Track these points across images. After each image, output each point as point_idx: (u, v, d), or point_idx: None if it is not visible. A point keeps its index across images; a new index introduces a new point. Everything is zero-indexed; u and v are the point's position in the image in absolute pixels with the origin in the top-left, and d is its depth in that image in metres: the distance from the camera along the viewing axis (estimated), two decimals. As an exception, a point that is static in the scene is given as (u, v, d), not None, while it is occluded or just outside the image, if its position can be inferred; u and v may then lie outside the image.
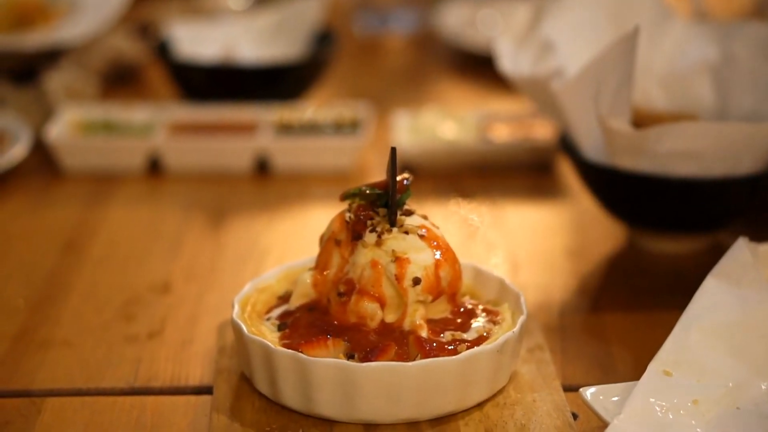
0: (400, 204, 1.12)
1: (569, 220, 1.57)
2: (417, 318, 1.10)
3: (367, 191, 1.12)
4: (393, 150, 1.10)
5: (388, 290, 1.09)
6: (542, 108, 1.51)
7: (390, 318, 1.10)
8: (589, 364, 1.20)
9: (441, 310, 1.13)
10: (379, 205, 1.12)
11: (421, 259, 1.09)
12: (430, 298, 1.10)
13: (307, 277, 1.14)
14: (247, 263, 1.43)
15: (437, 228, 1.13)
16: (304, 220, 1.56)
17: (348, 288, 1.10)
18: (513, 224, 1.55)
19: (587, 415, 1.06)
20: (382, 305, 1.09)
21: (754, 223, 1.40)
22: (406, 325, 1.09)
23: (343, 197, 1.14)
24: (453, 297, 1.13)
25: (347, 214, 1.13)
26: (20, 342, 1.24)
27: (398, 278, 1.08)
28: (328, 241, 1.14)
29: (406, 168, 1.56)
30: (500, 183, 1.66)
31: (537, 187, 1.66)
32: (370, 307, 1.09)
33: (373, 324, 1.09)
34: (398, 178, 1.11)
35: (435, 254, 1.10)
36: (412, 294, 1.09)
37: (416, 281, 1.08)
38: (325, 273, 1.13)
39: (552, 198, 1.64)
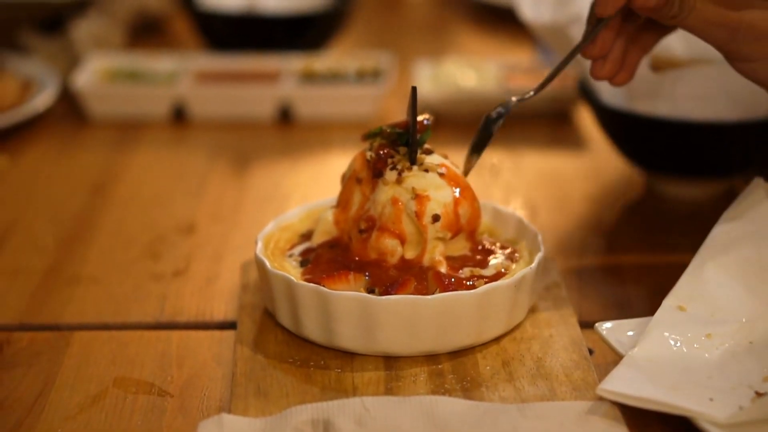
0: (421, 143, 1.13)
1: (587, 167, 1.58)
2: (436, 254, 1.11)
3: (388, 130, 1.14)
4: (414, 89, 1.11)
5: (408, 227, 1.10)
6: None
7: (410, 254, 1.11)
8: (606, 303, 1.22)
9: (460, 247, 1.14)
10: (400, 144, 1.13)
11: (440, 196, 1.10)
12: (449, 235, 1.11)
13: (329, 215, 1.16)
14: (269, 205, 1.45)
15: (457, 167, 1.15)
16: (326, 165, 1.58)
17: (369, 225, 1.11)
18: (532, 171, 1.56)
19: (603, 350, 1.08)
20: (402, 242, 1.10)
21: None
22: (426, 261, 1.11)
23: (365, 137, 1.16)
24: (472, 234, 1.15)
25: (368, 153, 1.14)
26: (49, 278, 1.26)
27: (418, 215, 1.10)
28: (349, 180, 1.15)
29: (427, 110, 1.58)
30: (520, 132, 1.67)
31: (556, 136, 1.68)
32: (390, 243, 1.10)
33: (393, 260, 1.10)
34: (419, 117, 1.13)
35: (454, 192, 1.11)
36: (432, 231, 1.10)
37: (435, 218, 1.10)
38: (346, 210, 1.15)
39: (571, 146, 1.65)
